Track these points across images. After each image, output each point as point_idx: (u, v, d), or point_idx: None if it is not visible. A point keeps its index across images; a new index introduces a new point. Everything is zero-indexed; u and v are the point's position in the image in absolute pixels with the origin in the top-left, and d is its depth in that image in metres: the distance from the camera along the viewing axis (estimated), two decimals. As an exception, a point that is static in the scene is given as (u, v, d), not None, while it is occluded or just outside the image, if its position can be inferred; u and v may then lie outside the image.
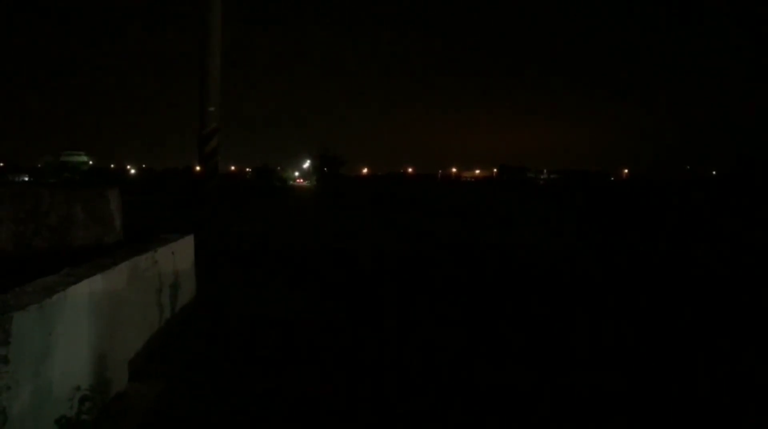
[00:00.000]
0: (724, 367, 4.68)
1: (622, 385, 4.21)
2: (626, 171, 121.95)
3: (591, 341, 5.35)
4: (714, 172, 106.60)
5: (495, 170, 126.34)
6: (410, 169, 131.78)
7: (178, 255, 5.52)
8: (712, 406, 3.88)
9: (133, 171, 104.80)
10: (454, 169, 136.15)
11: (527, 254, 11.09)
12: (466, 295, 7.25)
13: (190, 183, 37.20)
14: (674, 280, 8.70)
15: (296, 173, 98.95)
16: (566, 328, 5.79)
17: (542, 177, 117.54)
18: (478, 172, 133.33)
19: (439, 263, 9.87)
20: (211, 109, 8.01)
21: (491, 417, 3.65)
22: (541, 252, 11.45)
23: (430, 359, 4.73)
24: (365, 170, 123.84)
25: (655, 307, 6.80)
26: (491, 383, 4.20)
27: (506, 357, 4.82)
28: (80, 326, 3.13)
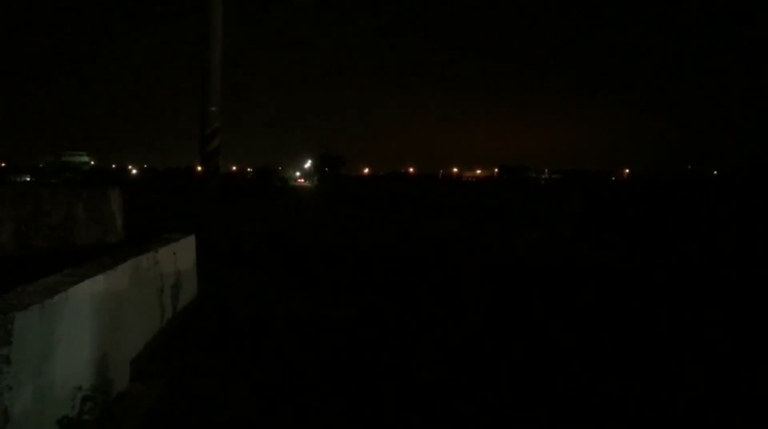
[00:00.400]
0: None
1: (616, 387, 4.21)
2: (627, 171, 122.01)
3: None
4: (715, 172, 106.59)
5: (496, 170, 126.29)
6: (411, 169, 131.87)
7: (179, 255, 5.52)
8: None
9: (134, 171, 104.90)
10: (455, 169, 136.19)
11: (525, 254, 11.09)
12: (466, 296, 7.25)
13: (192, 183, 37.24)
14: (680, 282, 8.69)
15: (297, 173, 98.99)
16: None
17: (543, 177, 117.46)
18: (479, 172, 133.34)
19: (438, 264, 9.87)
20: (213, 109, 8.02)
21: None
22: (537, 252, 11.45)
23: (430, 362, 4.73)
24: (366, 170, 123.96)
25: (649, 309, 6.80)
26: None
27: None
28: (82, 326, 3.12)
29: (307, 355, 4.78)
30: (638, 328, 5.85)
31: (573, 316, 6.30)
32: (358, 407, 3.75)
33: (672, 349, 5.15)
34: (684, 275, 9.06)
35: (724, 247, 12.68)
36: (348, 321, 5.88)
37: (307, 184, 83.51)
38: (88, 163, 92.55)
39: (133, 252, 4.40)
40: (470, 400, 3.91)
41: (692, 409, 3.84)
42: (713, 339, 5.50)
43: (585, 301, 7.02)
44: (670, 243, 13.06)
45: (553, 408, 3.79)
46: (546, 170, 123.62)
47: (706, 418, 3.72)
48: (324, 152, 61.55)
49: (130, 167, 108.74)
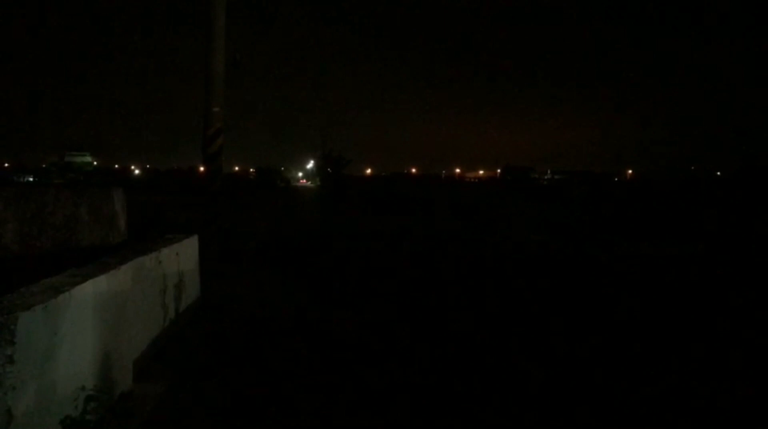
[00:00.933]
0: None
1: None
2: (630, 172, 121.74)
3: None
4: (719, 173, 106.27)
5: (498, 171, 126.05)
6: (414, 170, 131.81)
7: (182, 255, 5.52)
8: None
9: (137, 171, 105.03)
10: (457, 170, 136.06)
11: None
12: (461, 294, 7.24)
13: (195, 183, 37.22)
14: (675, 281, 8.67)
15: (300, 174, 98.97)
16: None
17: (546, 177, 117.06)
18: (481, 172, 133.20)
19: (435, 264, 9.87)
20: (216, 109, 8.02)
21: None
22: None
23: (427, 360, 4.73)
24: (369, 171, 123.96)
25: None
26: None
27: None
28: (85, 326, 3.13)
29: (309, 356, 4.78)
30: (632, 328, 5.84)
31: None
32: (358, 409, 3.75)
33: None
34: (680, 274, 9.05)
35: (725, 244, 12.64)
36: (351, 323, 5.88)
37: (309, 184, 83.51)
38: (91, 163, 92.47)
39: (136, 252, 4.41)
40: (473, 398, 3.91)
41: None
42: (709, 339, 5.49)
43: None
44: (667, 241, 13.02)
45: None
46: (548, 171, 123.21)
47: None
48: (326, 153, 61.53)
49: (132, 167, 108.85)
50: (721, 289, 8.08)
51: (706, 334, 5.71)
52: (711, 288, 8.15)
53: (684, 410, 3.82)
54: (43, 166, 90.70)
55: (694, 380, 4.38)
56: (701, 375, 4.51)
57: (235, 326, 5.58)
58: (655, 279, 8.74)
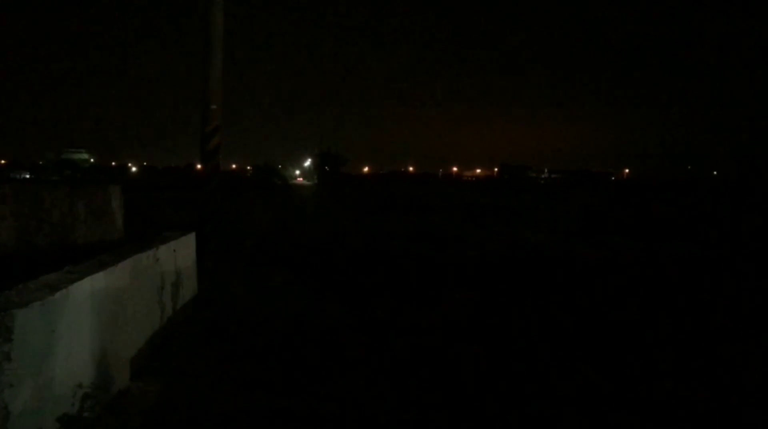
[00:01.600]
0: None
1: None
2: (627, 171, 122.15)
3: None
4: (715, 173, 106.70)
5: (496, 169, 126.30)
6: (411, 168, 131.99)
7: (179, 253, 5.51)
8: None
9: (134, 168, 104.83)
10: (455, 169, 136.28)
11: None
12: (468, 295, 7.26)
13: (192, 180, 37.18)
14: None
15: (297, 172, 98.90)
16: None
17: (543, 176, 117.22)
18: (478, 171, 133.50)
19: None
20: (213, 107, 7.99)
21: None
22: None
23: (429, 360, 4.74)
24: (366, 169, 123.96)
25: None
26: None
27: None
28: (82, 324, 3.13)
29: (306, 354, 4.79)
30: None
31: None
32: (357, 408, 3.76)
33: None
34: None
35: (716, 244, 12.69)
36: (348, 319, 5.88)
37: (306, 182, 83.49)
38: (88, 160, 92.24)
39: (134, 250, 4.40)
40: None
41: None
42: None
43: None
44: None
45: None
46: (546, 170, 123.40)
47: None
48: (324, 151, 61.54)
49: (129, 165, 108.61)
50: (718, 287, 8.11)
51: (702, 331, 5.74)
52: (703, 286, 8.19)
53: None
54: (40, 162, 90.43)
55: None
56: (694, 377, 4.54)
57: (232, 323, 5.58)
58: (648, 274, 8.77)
